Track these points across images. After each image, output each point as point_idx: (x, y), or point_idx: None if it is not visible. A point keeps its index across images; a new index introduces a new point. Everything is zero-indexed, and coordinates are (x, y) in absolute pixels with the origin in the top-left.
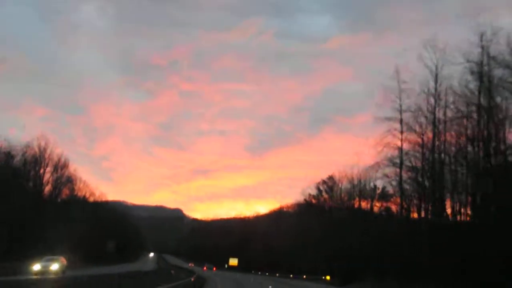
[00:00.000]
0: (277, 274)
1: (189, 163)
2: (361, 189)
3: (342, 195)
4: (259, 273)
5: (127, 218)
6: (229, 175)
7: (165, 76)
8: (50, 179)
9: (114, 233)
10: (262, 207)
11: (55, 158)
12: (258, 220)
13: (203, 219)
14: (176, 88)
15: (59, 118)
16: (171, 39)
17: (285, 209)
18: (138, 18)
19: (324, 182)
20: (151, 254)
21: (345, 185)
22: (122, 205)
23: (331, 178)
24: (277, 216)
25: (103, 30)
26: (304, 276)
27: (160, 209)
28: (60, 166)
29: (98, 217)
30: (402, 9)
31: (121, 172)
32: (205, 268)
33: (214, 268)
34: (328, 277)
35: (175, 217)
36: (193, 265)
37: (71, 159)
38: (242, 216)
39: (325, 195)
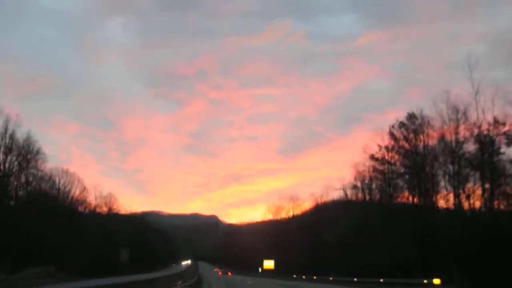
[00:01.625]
0: (331, 278)
1: (221, 170)
2: None
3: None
4: (303, 277)
5: (151, 226)
6: (262, 179)
7: (193, 86)
8: None
9: (132, 243)
10: (298, 208)
11: None
12: (296, 220)
13: (238, 223)
14: (204, 96)
15: (91, 134)
16: (197, 48)
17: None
18: (162, 30)
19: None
20: (184, 262)
21: None
22: (156, 215)
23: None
24: (317, 213)
25: (128, 45)
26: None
27: (195, 217)
28: None
29: (111, 228)
30: (426, 2)
31: (155, 183)
32: (220, 272)
33: (229, 273)
34: (437, 281)
35: (211, 223)
36: (220, 273)
37: (106, 174)
38: (278, 217)
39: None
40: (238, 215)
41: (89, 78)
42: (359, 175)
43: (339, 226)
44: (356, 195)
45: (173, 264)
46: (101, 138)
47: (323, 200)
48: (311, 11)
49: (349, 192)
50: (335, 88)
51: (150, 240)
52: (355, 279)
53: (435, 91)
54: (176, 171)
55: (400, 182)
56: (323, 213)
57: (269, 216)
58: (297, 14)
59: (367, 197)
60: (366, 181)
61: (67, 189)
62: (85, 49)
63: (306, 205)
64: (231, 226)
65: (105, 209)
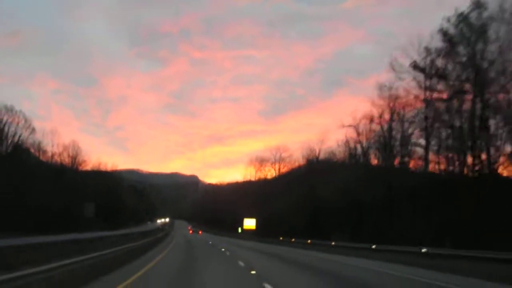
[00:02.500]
0: (333, 243)
1: (203, 130)
2: None
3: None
4: (292, 240)
5: (125, 182)
6: (244, 140)
7: (175, 45)
8: None
9: (99, 198)
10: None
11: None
12: (284, 177)
13: (218, 183)
14: (187, 56)
15: (72, 90)
16: (180, 7)
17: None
18: None
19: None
20: (160, 221)
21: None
22: (136, 173)
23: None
24: (310, 167)
25: (111, 1)
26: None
27: (176, 176)
28: None
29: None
30: None
31: (136, 141)
32: (191, 231)
33: (200, 232)
34: None
35: (191, 183)
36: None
37: (86, 131)
38: (261, 176)
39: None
40: (218, 175)
41: (70, 34)
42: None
43: (344, 183)
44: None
45: (148, 222)
46: (81, 96)
47: (317, 153)
48: None
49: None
50: (317, 51)
51: (121, 196)
52: (374, 246)
53: None
54: (157, 130)
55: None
56: (319, 166)
57: (251, 174)
58: None
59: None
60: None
61: (11, 130)
62: (67, 4)
63: (293, 161)
64: (211, 185)
65: (67, 160)
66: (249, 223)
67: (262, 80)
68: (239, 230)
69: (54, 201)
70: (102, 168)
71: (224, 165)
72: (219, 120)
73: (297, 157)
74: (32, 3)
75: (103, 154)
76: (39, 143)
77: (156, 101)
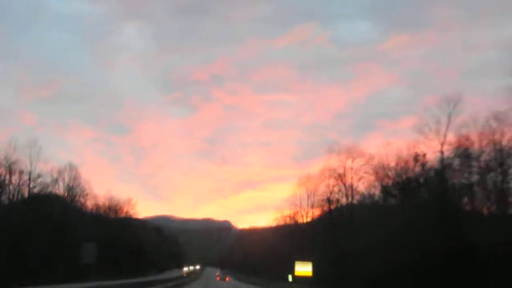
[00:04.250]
0: None
1: (235, 175)
2: None
3: None
4: None
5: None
6: (276, 185)
7: (207, 91)
8: None
9: (103, 240)
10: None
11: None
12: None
13: (252, 228)
14: (219, 102)
15: (106, 138)
16: (211, 53)
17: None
18: (177, 35)
19: None
20: (186, 268)
21: None
22: (168, 219)
23: None
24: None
25: (143, 50)
26: None
27: (208, 222)
28: None
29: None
30: (439, 7)
31: (168, 188)
32: (218, 277)
33: (227, 279)
34: None
35: (223, 228)
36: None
37: (120, 179)
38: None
39: None
40: (251, 221)
41: (104, 83)
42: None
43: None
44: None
45: (175, 270)
46: (115, 143)
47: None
48: (326, 18)
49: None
50: (349, 94)
51: (143, 242)
52: None
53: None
54: (189, 177)
55: None
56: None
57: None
58: (313, 20)
59: None
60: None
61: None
62: (100, 54)
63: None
64: (244, 230)
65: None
66: (303, 268)
67: (294, 124)
68: (290, 278)
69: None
70: (134, 215)
71: (257, 210)
72: (251, 165)
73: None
74: (66, 52)
75: (137, 202)
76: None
77: (188, 147)
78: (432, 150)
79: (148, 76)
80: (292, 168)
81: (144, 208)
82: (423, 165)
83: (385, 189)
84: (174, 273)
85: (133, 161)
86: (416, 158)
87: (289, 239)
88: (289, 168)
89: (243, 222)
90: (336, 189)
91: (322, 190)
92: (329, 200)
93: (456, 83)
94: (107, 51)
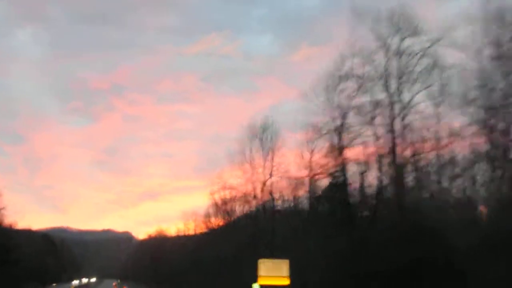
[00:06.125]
0: None
1: (136, 187)
2: None
3: None
4: None
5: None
6: (178, 197)
7: (107, 100)
8: None
9: None
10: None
11: None
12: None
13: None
14: (119, 111)
15: None
16: (113, 62)
17: None
18: (76, 41)
19: None
20: (75, 281)
21: None
22: (64, 231)
23: None
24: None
25: (39, 56)
26: None
27: (107, 233)
28: None
29: None
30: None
31: (66, 199)
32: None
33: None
34: None
35: (124, 239)
36: None
37: (12, 190)
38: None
39: None
40: (152, 231)
41: None
42: None
43: None
44: None
45: (63, 283)
46: (7, 153)
47: None
48: (230, 30)
49: None
50: (253, 106)
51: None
52: None
53: None
54: (88, 188)
55: None
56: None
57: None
58: (217, 31)
59: None
60: None
61: None
62: None
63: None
64: (145, 241)
65: None
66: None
67: (196, 135)
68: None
69: None
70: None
71: (159, 222)
72: (153, 176)
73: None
74: None
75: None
76: None
77: (88, 157)
78: None
79: (46, 84)
80: (195, 179)
81: (38, 219)
82: None
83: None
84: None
85: (27, 172)
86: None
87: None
88: (192, 179)
89: (144, 233)
90: None
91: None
92: None
93: None
94: (1, 55)
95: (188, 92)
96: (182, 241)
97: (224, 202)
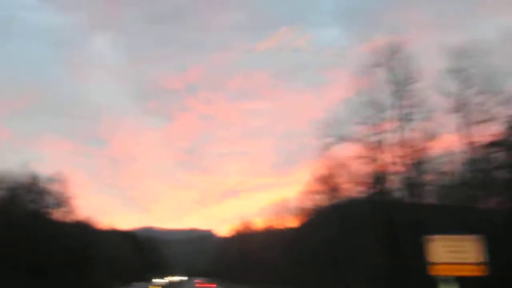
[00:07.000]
0: None
1: (216, 185)
2: None
3: None
4: None
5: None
6: (257, 194)
7: (182, 100)
8: None
9: None
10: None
11: None
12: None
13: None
14: (195, 111)
15: (83, 151)
16: (185, 62)
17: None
18: (150, 44)
19: None
20: (158, 280)
21: None
22: (150, 230)
23: None
24: None
25: (116, 61)
26: None
27: (191, 231)
28: None
29: None
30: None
31: (149, 199)
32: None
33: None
34: None
35: (207, 237)
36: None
37: (98, 191)
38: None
39: None
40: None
41: (78, 95)
42: None
43: None
44: None
45: (144, 281)
46: (92, 155)
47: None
48: (299, 25)
49: None
50: (324, 101)
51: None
52: None
53: None
54: (170, 187)
55: None
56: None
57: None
58: (286, 26)
59: None
60: None
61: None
62: (73, 66)
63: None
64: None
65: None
66: (460, 257)
67: (270, 132)
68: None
69: None
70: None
71: (241, 219)
72: (231, 174)
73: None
74: (39, 65)
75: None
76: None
77: (167, 157)
78: None
79: (123, 87)
80: (273, 176)
81: (123, 219)
82: None
83: None
84: (140, 285)
85: (111, 173)
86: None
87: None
88: (270, 176)
89: (226, 231)
90: None
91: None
92: None
93: None
94: (81, 63)
95: (259, 89)
96: (272, 235)
97: (330, 177)
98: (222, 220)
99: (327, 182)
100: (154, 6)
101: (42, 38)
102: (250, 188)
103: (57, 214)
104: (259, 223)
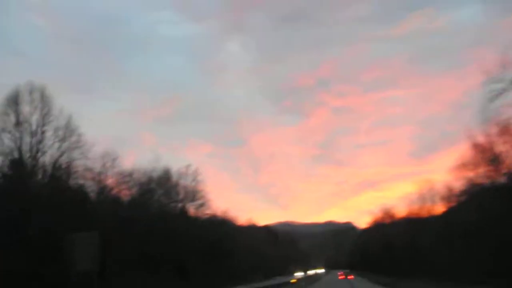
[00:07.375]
0: None
1: (353, 177)
2: None
3: None
4: None
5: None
6: (395, 184)
7: (315, 96)
8: None
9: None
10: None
11: None
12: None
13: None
14: (327, 105)
15: (224, 152)
16: (315, 58)
17: None
18: (279, 44)
19: None
20: (299, 274)
21: None
22: (288, 225)
23: None
24: None
25: (249, 63)
26: None
27: (330, 224)
28: None
29: None
30: None
31: (288, 195)
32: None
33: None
34: None
35: (346, 229)
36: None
37: (240, 191)
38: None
39: None
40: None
41: (216, 99)
42: None
43: None
44: None
45: (285, 275)
46: (233, 157)
47: None
48: (428, 8)
49: None
50: (464, 83)
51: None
52: None
53: None
54: (307, 183)
55: None
56: None
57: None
58: (413, 14)
59: None
60: None
61: None
62: (209, 72)
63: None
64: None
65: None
66: None
67: (408, 120)
68: None
69: None
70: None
71: (380, 210)
72: (368, 165)
73: None
74: (177, 73)
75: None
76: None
77: (303, 153)
78: None
79: (257, 88)
80: (411, 165)
81: (264, 216)
82: None
83: None
84: (278, 280)
85: (251, 172)
86: None
87: None
88: (409, 165)
89: (366, 222)
90: None
91: None
92: None
93: None
94: (216, 68)
95: (393, 77)
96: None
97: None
98: (361, 212)
99: (487, 152)
100: (280, 6)
101: (179, 48)
102: (388, 178)
103: (193, 210)
104: (401, 212)
